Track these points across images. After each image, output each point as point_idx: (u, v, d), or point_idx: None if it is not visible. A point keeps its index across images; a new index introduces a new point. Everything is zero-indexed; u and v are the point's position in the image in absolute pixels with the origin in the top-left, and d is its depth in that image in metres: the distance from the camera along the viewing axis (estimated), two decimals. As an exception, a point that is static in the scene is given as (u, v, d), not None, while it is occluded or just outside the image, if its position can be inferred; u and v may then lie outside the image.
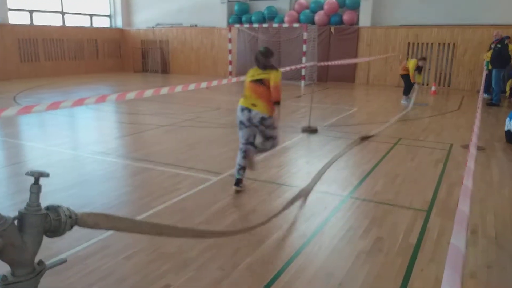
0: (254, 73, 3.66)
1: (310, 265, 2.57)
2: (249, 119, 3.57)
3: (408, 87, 9.28)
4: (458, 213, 1.46)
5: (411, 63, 8.95)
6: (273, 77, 3.52)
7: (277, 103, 3.55)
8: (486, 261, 2.65)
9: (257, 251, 2.73)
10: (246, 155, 3.71)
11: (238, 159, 3.72)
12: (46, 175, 1.41)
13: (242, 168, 3.73)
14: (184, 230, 2.12)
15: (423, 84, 12.70)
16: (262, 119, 3.53)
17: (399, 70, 9.48)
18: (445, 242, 2.87)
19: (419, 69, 9.13)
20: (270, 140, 3.70)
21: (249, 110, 3.55)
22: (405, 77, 9.20)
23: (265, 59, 3.57)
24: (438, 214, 3.34)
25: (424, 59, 9.25)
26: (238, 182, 3.74)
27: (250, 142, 3.70)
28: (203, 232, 2.30)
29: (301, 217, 3.26)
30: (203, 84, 3.98)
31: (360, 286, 2.36)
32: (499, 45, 9.17)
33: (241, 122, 3.63)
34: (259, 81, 3.56)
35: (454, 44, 11.94)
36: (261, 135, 3.68)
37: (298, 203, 3.48)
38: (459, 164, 4.66)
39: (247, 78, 3.70)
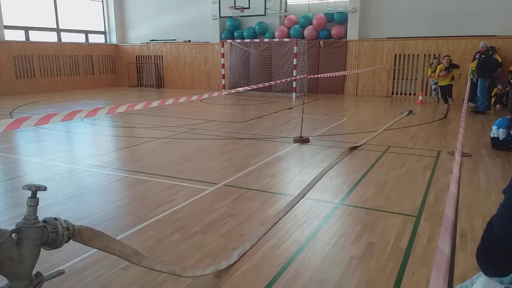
0: (439, 69, 9.78)
1: (304, 271, 2.64)
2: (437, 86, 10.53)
3: (446, 94, 9.92)
4: (445, 218, 1.56)
5: (438, 68, 9.92)
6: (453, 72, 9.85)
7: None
8: (476, 264, 2.72)
9: (252, 259, 2.79)
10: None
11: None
12: (43, 188, 1.42)
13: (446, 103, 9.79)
14: (160, 268, 2.19)
15: (410, 94, 12.98)
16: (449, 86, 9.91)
17: (440, 81, 10.00)
18: (435, 246, 2.94)
19: (449, 67, 9.69)
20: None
21: (437, 83, 10.31)
22: (443, 87, 9.93)
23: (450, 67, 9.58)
24: (428, 219, 3.44)
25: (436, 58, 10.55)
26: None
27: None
28: (179, 273, 2.40)
29: (294, 224, 3.34)
30: (194, 97, 4.10)
31: (353, 290, 2.43)
32: (483, 56, 9.43)
33: (435, 89, 10.79)
34: (444, 74, 9.66)
35: (439, 55, 12.26)
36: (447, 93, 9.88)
37: (291, 211, 3.57)
38: (447, 170, 4.79)
39: (436, 71, 9.92)
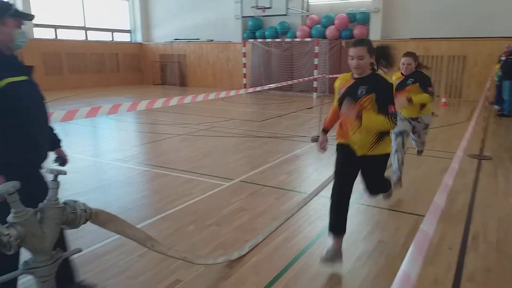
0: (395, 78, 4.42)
1: (313, 264, 2.71)
2: None
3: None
4: (433, 205, 1.62)
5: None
6: None
7: None
8: (486, 265, 2.72)
9: (264, 251, 2.89)
10: None
11: None
12: (63, 173, 1.57)
13: None
14: (173, 254, 2.29)
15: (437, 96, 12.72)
16: None
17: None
18: (446, 247, 2.96)
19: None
20: None
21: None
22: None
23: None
24: (440, 220, 3.43)
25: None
26: None
27: None
28: (191, 260, 2.49)
29: (307, 220, 3.42)
30: (222, 94, 4.26)
31: (359, 285, 2.48)
32: (511, 57, 9.16)
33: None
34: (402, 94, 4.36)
35: (464, 57, 11.98)
36: None
37: (304, 208, 3.65)
38: (465, 173, 4.73)
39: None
